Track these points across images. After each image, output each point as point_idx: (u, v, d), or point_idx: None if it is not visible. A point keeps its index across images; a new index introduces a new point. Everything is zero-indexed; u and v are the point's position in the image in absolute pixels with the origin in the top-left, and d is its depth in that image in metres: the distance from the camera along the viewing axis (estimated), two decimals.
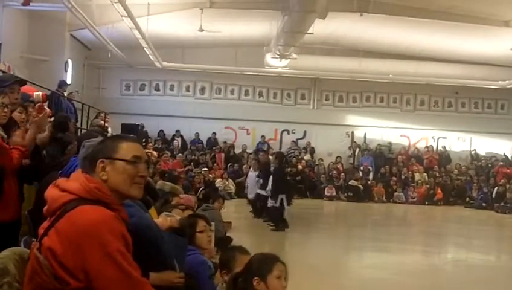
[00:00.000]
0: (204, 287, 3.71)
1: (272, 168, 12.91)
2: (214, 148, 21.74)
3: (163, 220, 3.26)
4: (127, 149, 2.48)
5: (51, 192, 2.42)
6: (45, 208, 2.41)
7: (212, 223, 4.69)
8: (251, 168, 15.54)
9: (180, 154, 19.44)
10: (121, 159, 2.45)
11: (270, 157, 14.37)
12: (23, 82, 5.45)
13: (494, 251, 11.98)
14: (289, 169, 17.38)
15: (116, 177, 2.44)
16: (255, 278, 3.12)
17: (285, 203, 12.04)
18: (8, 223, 4.19)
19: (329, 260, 9.40)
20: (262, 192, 13.20)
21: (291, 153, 21.64)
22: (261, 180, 13.63)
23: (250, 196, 14.70)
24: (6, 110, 4.48)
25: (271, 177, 12.54)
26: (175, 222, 3.28)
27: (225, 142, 22.14)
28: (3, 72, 9.35)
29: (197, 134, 22.09)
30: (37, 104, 5.18)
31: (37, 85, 9.80)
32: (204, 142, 22.16)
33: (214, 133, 22.24)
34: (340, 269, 8.84)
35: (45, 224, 2.37)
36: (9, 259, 2.54)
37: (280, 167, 12.94)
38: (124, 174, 2.45)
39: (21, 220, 4.51)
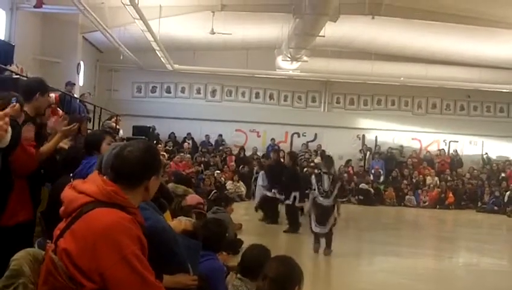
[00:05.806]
0: None
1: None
2: (220, 148, 21.77)
3: (177, 223, 3.27)
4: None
5: (67, 193, 2.41)
6: (61, 209, 2.40)
7: None
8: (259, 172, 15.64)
9: (188, 155, 19.37)
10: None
11: (282, 160, 14.36)
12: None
13: (506, 256, 11.85)
14: (305, 169, 17.38)
15: (154, 189, 2.52)
16: (297, 286, 3.22)
17: (297, 201, 12.05)
18: (22, 224, 4.18)
19: (341, 263, 9.35)
20: (269, 193, 13.18)
21: (301, 155, 21.60)
22: (262, 182, 13.64)
23: (256, 200, 14.50)
24: None
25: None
26: (189, 225, 3.29)
27: (224, 145, 22.07)
28: (16, 74, 9.40)
29: (208, 136, 22.13)
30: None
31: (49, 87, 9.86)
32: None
33: (220, 135, 22.29)
34: (353, 272, 8.77)
35: (61, 225, 2.37)
36: (24, 260, 2.54)
37: (293, 166, 12.97)
38: (157, 184, 2.55)
39: (35, 222, 4.52)
